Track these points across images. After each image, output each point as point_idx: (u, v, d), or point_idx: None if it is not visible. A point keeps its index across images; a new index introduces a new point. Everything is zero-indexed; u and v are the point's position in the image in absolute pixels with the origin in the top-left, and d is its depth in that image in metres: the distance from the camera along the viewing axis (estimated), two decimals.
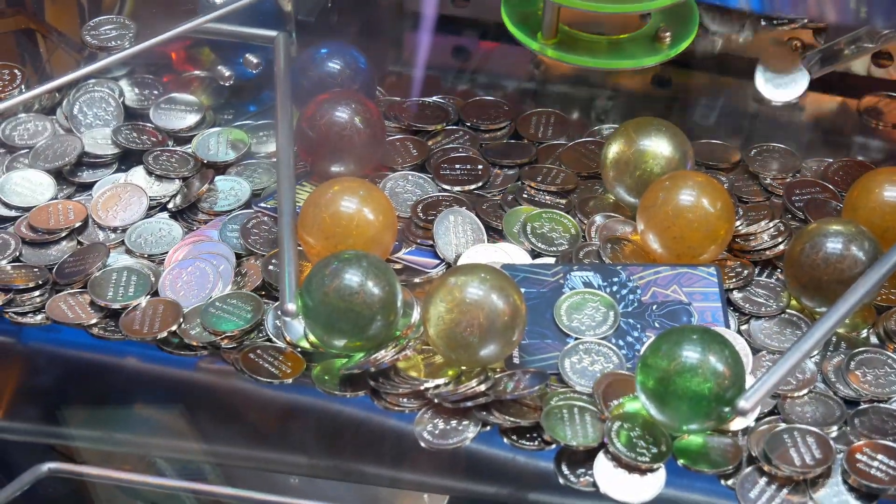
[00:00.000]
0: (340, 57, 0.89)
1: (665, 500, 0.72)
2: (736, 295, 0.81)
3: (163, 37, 0.89)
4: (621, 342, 0.78)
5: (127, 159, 0.90)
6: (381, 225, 0.80)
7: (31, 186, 0.88)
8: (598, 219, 0.85)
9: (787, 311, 0.80)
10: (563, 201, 0.87)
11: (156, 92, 0.94)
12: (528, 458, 0.74)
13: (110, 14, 0.94)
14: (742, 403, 0.71)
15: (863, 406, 0.75)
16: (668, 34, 0.90)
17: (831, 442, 0.73)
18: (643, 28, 0.91)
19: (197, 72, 0.96)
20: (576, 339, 0.78)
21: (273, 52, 0.89)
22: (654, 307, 0.79)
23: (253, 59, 0.95)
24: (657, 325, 0.78)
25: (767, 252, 0.83)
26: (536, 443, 0.74)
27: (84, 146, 0.90)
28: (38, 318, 0.81)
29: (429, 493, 0.79)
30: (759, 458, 0.72)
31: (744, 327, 0.79)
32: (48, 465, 0.74)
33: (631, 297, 0.80)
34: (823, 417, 0.75)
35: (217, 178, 0.88)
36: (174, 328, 0.79)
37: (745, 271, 0.82)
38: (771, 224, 0.84)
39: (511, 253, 0.83)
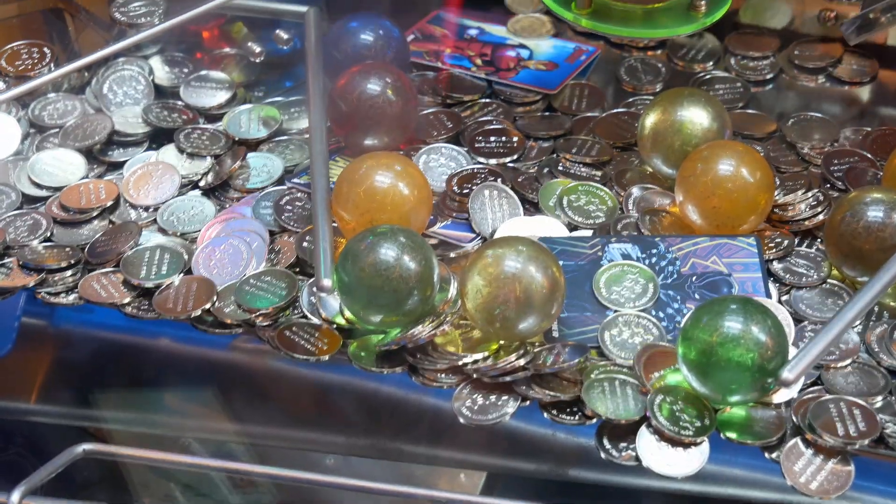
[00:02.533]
0: (373, 29, 0.88)
1: (709, 474, 0.71)
2: (776, 265, 0.80)
3: (193, 13, 0.89)
4: (661, 314, 0.77)
5: (158, 138, 0.90)
6: (416, 199, 0.80)
7: (62, 166, 0.87)
8: (636, 190, 0.84)
9: (829, 280, 0.79)
10: (599, 173, 0.86)
11: (186, 70, 0.93)
12: (568, 432, 0.74)
13: None
14: (786, 374, 0.71)
15: None
16: (703, 3, 0.89)
17: (876, 413, 0.72)
18: None
19: (228, 49, 0.96)
20: (615, 311, 0.77)
21: (304, 27, 0.89)
22: (694, 278, 0.78)
23: (283, 34, 0.94)
24: (697, 296, 0.78)
25: (807, 222, 0.82)
26: (577, 417, 0.73)
27: (114, 125, 0.89)
28: (71, 298, 0.81)
29: (466, 471, 0.78)
30: (803, 428, 0.71)
31: (785, 298, 0.79)
32: (83, 447, 0.74)
33: (670, 268, 0.79)
34: (867, 388, 0.74)
35: (249, 154, 0.88)
36: (208, 306, 0.79)
37: (786, 241, 0.81)
38: (809, 193, 0.83)
39: (548, 226, 0.82)
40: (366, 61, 0.86)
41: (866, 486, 0.71)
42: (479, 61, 0.94)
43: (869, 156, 0.87)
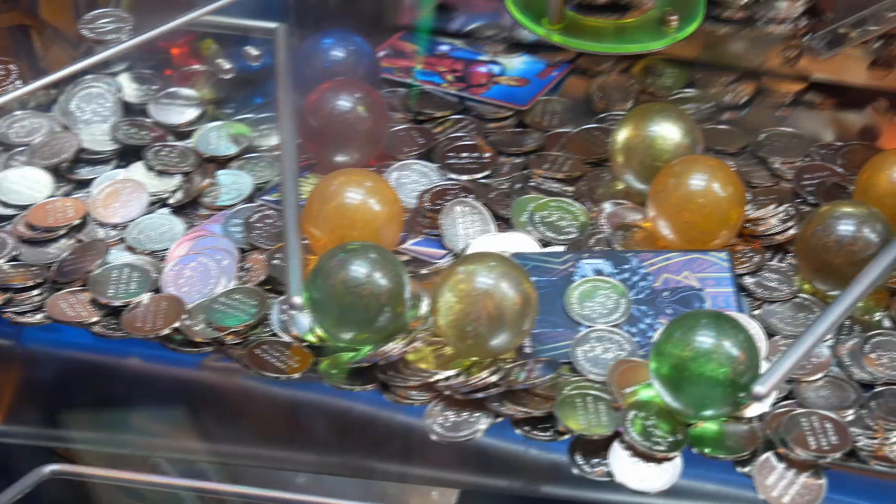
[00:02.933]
0: (344, 45, 0.88)
1: (682, 489, 0.71)
2: (748, 280, 0.80)
3: (161, 29, 0.88)
4: (634, 329, 0.77)
5: (126, 155, 0.89)
6: (388, 216, 0.79)
7: (29, 184, 0.87)
8: (608, 206, 0.84)
9: (800, 294, 0.79)
10: (571, 189, 0.86)
11: (155, 86, 0.93)
12: (541, 448, 0.73)
13: (107, 7, 0.94)
14: (758, 388, 0.70)
15: (878, 389, 0.74)
16: (674, 18, 0.89)
17: (847, 426, 0.72)
18: (649, 12, 0.90)
19: (197, 66, 0.95)
20: (588, 327, 0.77)
21: (274, 44, 0.89)
22: (666, 293, 0.78)
23: (252, 51, 0.94)
24: (669, 311, 0.77)
25: (779, 236, 0.82)
26: (550, 433, 0.73)
27: (82, 142, 0.89)
28: (38, 317, 0.80)
29: (438, 488, 0.78)
30: (776, 443, 0.71)
31: (756, 312, 0.78)
32: (50, 468, 0.73)
33: (642, 283, 0.79)
34: (839, 401, 0.74)
35: (219, 172, 0.87)
36: (177, 325, 0.78)
37: (757, 256, 0.81)
38: (780, 208, 0.83)
39: (520, 242, 0.82)
40: (337, 77, 0.86)
41: (838, 499, 0.71)
42: (450, 77, 0.94)
43: (840, 170, 0.87)
